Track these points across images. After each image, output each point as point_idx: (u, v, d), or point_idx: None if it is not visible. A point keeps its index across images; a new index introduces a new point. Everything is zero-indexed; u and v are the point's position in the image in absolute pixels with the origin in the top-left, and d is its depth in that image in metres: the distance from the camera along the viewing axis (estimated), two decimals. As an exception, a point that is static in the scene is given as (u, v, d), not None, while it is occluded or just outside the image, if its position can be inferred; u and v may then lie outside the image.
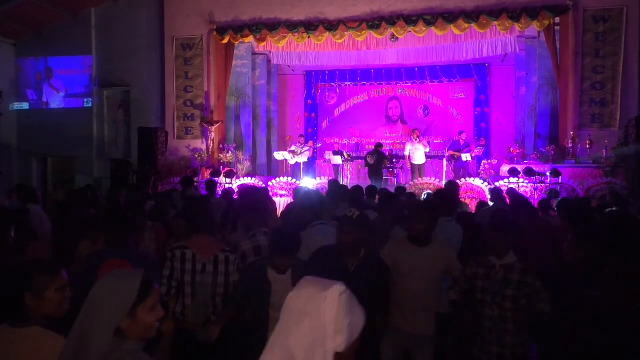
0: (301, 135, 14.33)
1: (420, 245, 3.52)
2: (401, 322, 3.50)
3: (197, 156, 12.97)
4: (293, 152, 13.23)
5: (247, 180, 11.78)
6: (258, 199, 5.17)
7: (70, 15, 14.28)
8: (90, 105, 14.54)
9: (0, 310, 2.15)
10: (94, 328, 1.63)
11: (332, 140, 16.02)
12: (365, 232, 3.30)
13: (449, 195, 4.80)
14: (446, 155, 12.89)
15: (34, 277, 2.15)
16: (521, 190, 10.11)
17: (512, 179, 10.52)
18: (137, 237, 4.39)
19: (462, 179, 11.51)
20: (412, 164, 12.84)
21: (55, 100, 14.93)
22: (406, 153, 12.94)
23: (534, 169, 10.38)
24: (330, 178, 11.40)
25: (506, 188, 8.87)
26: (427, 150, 12.86)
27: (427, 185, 11.20)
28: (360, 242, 3.27)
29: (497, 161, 12.71)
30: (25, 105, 15.03)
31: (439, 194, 5.04)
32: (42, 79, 14.97)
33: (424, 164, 12.84)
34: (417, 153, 12.61)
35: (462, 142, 12.85)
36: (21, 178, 14.65)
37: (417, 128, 13.68)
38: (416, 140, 12.67)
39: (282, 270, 3.11)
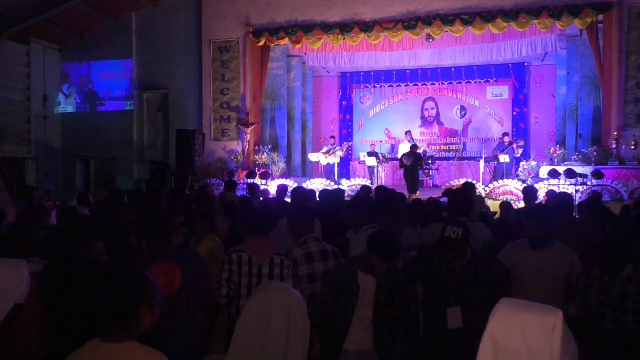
0: (332, 137, 14.31)
1: (538, 249, 3.41)
2: None
3: (232, 157, 13.15)
4: (325, 152, 13.28)
5: (282, 181, 11.85)
6: (308, 202, 5.11)
7: (111, 20, 14.71)
8: (130, 108, 14.92)
9: (98, 320, 1.88)
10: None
11: (367, 141, 15.97)
12: (469, 242, 3.25)
13: (461, 196, 4.67)
14: (492, 155, 12.74)
15: (152, 284, 1.96)
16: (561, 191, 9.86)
17: (552, 181, 10.27)
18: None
19: (500, 180, 11.32)
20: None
21: (102, 104, 15.37)
22: (399, 154, 12.81)
23: (575, 170, 10.10)
24: (361, 183, 11.37)
25: (546, 189, 8.67)
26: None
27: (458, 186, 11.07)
28: (462, 247, 3.24)
29: (536, 162, 12.42)
30: (69, 109, 15.54)
31: (452, 194, 4.93)
32: (85, 83, 15.44)
33: None
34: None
35: (506, 143, 12.62)
36: (65, 179, 15.17)
37: (409, 130, 14.01)
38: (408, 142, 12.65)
39: (377, 273, 3.09)
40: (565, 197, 5.05)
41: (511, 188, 10.69)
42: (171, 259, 3.16)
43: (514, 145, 12.44)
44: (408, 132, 13.62)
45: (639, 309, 3.00)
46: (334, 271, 3.36)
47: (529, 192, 6.83)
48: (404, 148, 12.63)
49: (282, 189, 7.41)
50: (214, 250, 4.31)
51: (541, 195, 9.66)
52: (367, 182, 12.23)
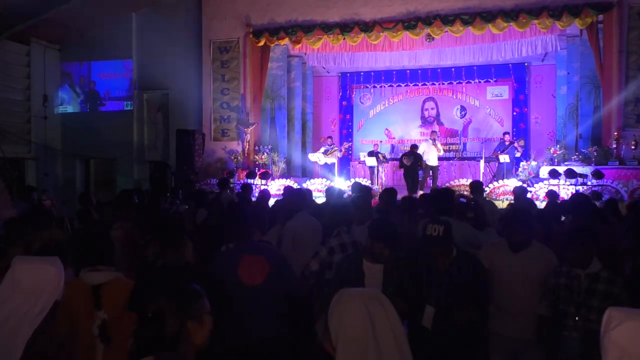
0: (329, 137, 14.23)
1: (516, 250, 3.46)
2: (504, 327, 3.45)
3: (232, 158, 13.14)
4: (323, 153, 13.27)
5: (283, 182, 11.86)
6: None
7: (111, 20, 14.69)
8: (130, 108, 14.91)
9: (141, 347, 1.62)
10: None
11: (367, 142, 15.96)
12: (452, 240, 3.28)
13: (442, 196, 4.86)
14: (493, 155, 12.73)
15: (196, 295, 1.71)
16: (562, 192, 9.85)
17: (552, 181, 10.27)
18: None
19: (500, 180, 11.32)
20: (425, 165, 12.72)
21: (103, 104, 15.36)
22: (419, 151, 12.84)
23: (575, 170, 10.10)
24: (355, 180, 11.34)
25: (547, 189, 8.65)
26: (441, 153, 12.78)
27: (459, 186, 11.09)
28: (449, 245, 3.27)
29: (536, 162, 12.41)
30: (69, 109, 15.53)
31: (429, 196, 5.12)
32: (86, 83, 15.43)
33: (437, 166, 12.71)
34: (431, 154, 12.46)
35: (507, 143, 12.61)
36: (65, 179, 15.16)
37: (435, 131, 13.60)
38: (432, 142, 12.54)
39: (381, 259, 3.22)
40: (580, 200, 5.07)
41: (511, 188, 10.67)
42: (256, 251, 3.34)
43: (516, 145, 12.43)
44: (433, 132, 13.29)
45: (604, 309, 2.98)
46: (340, 261, 3.49)
47: (519, 192, 6.83)
48: (426, 148, 12.56)
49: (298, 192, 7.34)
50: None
51: (541, 195, 9.67)
52: (367, 182, 12.23)
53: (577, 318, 3.06)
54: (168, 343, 1.60)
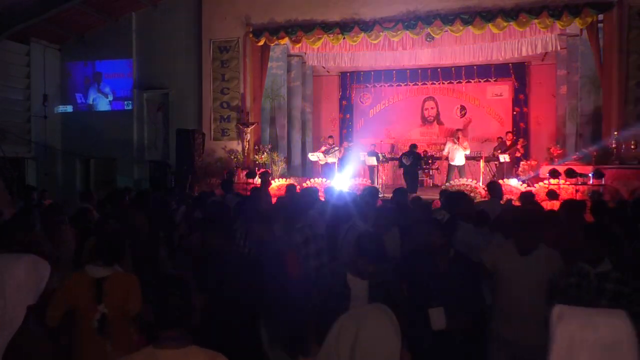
0: (330, 136, 14.23)
1: (525, 253, 3.38)
2: (509, 331, 3.36)
3: (232, 157, 13.14)
4: (324, 152, 13.27)
5: (283, 182, 11.86)
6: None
7: (111, 20, 14.70)
8: (130, 108, 14.91)
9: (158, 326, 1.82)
10: None
11: (367, 141, 15.95)
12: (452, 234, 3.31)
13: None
14: (493, 155, 12.71)
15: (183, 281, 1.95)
16: (562, 191, 9.85)
17: (552, 180, 10.27)
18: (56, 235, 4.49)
19: (501, 180, 11.30)
20: (450, 165, 12.66)
21: (103, 104, 15.35)
22: (445, 152, 12.77)
23: (576, 170, 10.09)
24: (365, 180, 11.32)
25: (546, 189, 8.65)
26: (467, 152, 12.55)
27: (463, 186, 11.06)
28: (448, 243, 3.27)
29: (536, 162, 12.40)
30: (69, 108, 15.53)
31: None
32: (90, 83, 15.42)
33: (464, 165, 12.61)
34: (457, 154, 12.38)
35: (508, 143, 12.57)
36: (65, 179, 15.17)
37: (460, 129, 13.48)
38: (457, 141, 12.44)
39: (366, 275, 3.04)
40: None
41: (512, 188, 10.66)
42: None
43: (518, 145, 12.42)
44: (457, 131, 13.02)
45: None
46: (323, 275, 3.32)
47: (493, 188, 6.67)
48: (450, 148, 12.53)
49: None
50: None
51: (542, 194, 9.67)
52: (367, 182, 12.23)
53: None
54: (178, 321, 1.78)
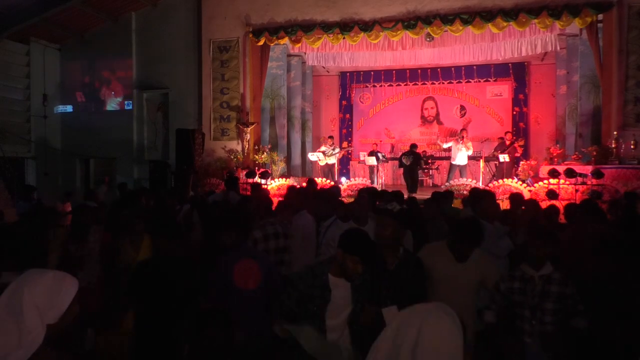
0: (330, 137, 14.25)
1: (462, 260, 3.31)
2: None
3: (232, 157, 13.14)
4: (323, 152, 13.27)
5: (283, 182, 11.87)
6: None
7: (111, 20, 14.70)
8: (130, 107, 14.90)
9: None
10: None
11: (367, 141, 15.97)
12: (404, 229, 3.23)
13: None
14: (493, 155, 12.72)
15: None
16: (562, 191, 9.87)
17: (552, 180, 10.28)
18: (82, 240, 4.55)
19: (500, 180, 11.31)
20: (451, 164, 12.67)
21: (103, 104, 15.34)
22: (445, 146, 12.80)
23: (575, 169, 10.10)
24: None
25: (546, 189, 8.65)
26: (470, 152, 12.54)
27: (462, 186, 11.07)
28: (398, 238, 3.19)
29: (536, 162, 12.42)
30: (69, 108, 15.53)
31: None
32: (90, 83, 15.41)
33: (466, 165, 12.62)
34: (460, 153, 12.39)
35: (507, 143, 12.59)
36: (65, 179, 15.16)
37: (465, 129, 13.50)
38: (461, 140, 12.45)
39: (352, 276, 2.81)
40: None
41: (511, 188, 10.67)
42: (254, 257, 3.42)
43: (516, 145, 12.43)
44: (462, 130, 13.06)
45: (558, 310, 3.04)
46: (301, 274, 3.00)
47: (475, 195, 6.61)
48: (453, 148, 12.53)
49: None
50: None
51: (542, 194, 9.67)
52: (367, 182, 12.24)
53: (533, 322, 3.07)
54: None
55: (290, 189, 7.05)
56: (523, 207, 5.85)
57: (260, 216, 4.71)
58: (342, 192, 9.06)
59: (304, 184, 8.07)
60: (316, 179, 12.34)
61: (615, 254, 3.26)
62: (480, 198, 5.05)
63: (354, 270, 2.75)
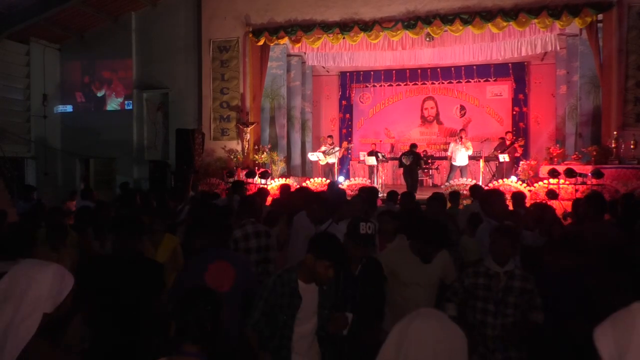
0: (329, 136, 14.24)
1: (428, 261, 3.44)
2: None
3: (232, 157, 13.14)
4: (323, 152, 13.27)
5: (282, 181, 11.86)
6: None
7: (111, 20, 14.69)
8: (130, 107, 14.90)
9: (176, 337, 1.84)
10: None
11: (367, 141, 15.97)
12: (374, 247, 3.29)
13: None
14: (493, 155, 12.73)
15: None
16: (562, 191, 9.87)
17: (552, 180, 10.28)
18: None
19: (500, 180, 11.32)
20: (452, 164, 12.69)
21: (103, 104, 15.34)
22: (449, 153, 12.84)
23: (575, 169, 10.11)
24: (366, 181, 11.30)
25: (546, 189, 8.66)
26: (470, 152, 12.58)
27: (462, 186, 11.07)
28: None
29: (536, 162, 12.42)
30: (69, 108, 15.52)
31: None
32: (90, 82, 15.41)
33: (466, 165, 12.63)
34: (459, 154, 12.42)
35: (508, 143, 12.59)
36: (65, 179, 15.16)
37: (464, 129, 13.51)
38: (460, 141, 12.47)
39: (323, 280, 2.75)
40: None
41: (511, 188, 10.68)
42: (227, 258, 3.35)
43: (516, 145, 12.43)
44: (462, 131, 13.16)
45: (519, 304, 3.18)
46: (269, 282, 2.89)
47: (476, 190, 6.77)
48: (453, 148, 12.55)
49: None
50: (176, 249, 4.44)
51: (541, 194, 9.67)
52: (367, 182, 12.24)
53: (496, 315, 3.20)
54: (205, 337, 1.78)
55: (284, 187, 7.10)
56: (527, 206, 5.87)
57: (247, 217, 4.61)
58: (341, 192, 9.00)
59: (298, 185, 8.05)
60: (316, 179, 12.41)
61: (571, 249, 3.36)
62: (489, 197, 5.05)
63: (324, 275, 2.69)
